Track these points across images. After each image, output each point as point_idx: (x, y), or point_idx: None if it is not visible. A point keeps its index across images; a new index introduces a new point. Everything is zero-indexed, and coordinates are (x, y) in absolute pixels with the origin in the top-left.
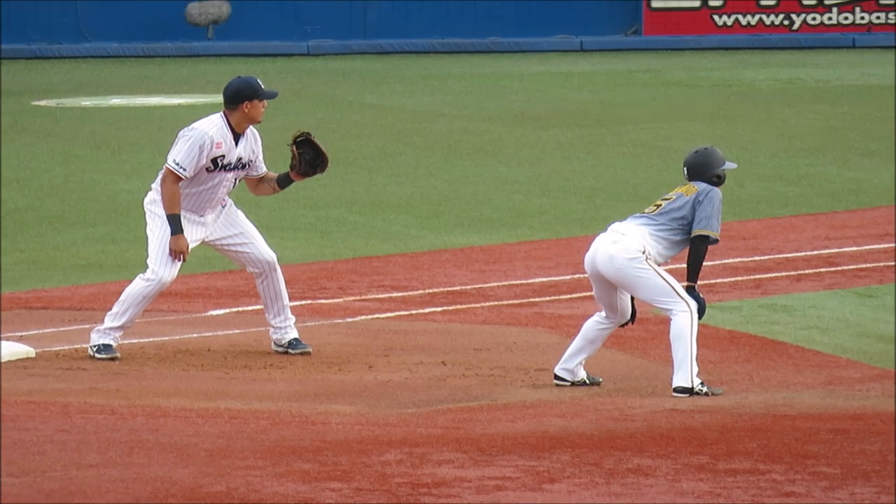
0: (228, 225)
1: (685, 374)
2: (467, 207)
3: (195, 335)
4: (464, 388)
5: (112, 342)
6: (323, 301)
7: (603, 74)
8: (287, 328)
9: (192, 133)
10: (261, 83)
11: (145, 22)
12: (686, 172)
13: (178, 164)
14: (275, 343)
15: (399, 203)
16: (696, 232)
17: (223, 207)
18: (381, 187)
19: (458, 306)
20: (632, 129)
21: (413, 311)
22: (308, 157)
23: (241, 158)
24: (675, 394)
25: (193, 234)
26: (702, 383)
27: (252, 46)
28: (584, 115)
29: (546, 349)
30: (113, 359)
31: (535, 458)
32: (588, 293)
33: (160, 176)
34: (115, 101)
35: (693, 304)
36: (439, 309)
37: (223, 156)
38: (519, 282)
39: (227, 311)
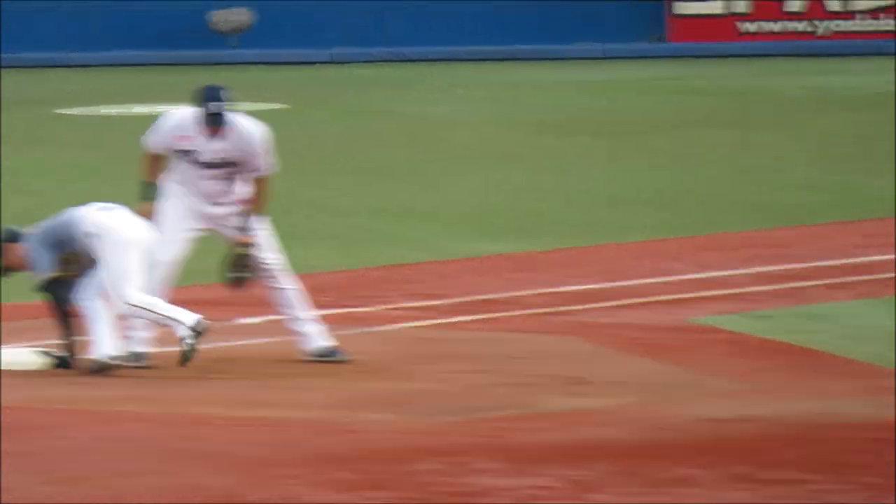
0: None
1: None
2: (493, 215)
3: (231, 343)
4: (501, 396)
5: (143, 349)
6: (357, 309)
7: (626, 82)
8: (315, 335)
9: (165, 116)
10: (216, 92)
11: (168, 30)
12: None
13: (150, 143)
14: (306, 352)
15: (426, 211)
16: None
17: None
18: (407, 196)
19: (491, 314)
20: (656, 136)
21: (447, 320)
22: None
23: (222, 157)
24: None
25: (198, 218)
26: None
27: (275, 54)
28: (607, 123)
29: (581, 357)
30: (145, 367)
31: (573, 467)
32: (621, 301)
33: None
34: (138, 109)
35: None
36: (473, 317)
37: (195, 150)
38: (549, 290)
39: (259, 319)
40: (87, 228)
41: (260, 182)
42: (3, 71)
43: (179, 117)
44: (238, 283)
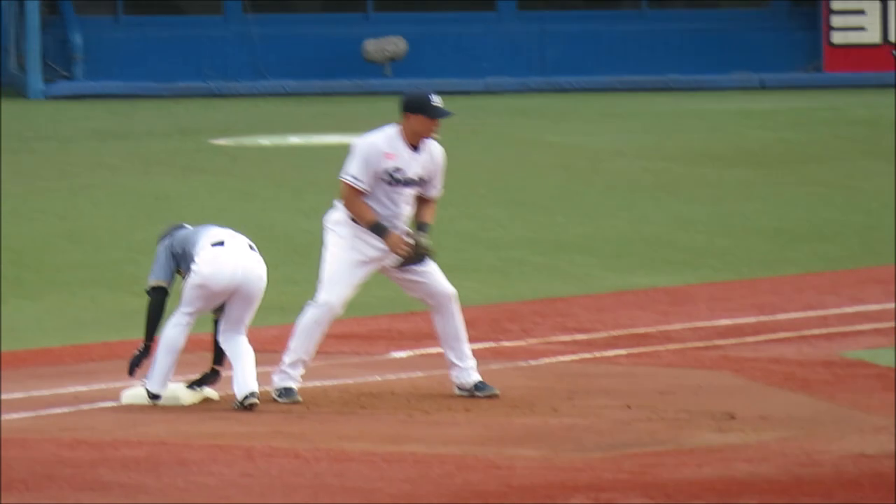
0: None
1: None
2: (649, 248)
3: (378, 378)
4: (649, 431)
5: (293, 384)
6: (506, 343)
7: (784, 112)
8: (470, 370)
9: (360, 144)
10: (433, 98)
11: (322, 59)
12: None
13: (353, 177)
14: (458, 386)
15: (581, 243)
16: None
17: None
18: (562, 227)
19: (643, 349)
20: (814, 167)
21: (597, 354)
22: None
23: (418, 174)
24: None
25: (373, 257)
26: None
27: (429, 84)
28: (765, 154)
29: (732, 393)
30: (294, 402)
31: (722, 503)
32: (774, 335)
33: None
34: (294, 139)
35: None
36: (623, 352)
37: (399, 168)
38: (703, 324)
39: (410, 353)
40: (195, 257)
41: (431, 203)
42: (161, 101)
43: (384, 136)
44: (414, 261)
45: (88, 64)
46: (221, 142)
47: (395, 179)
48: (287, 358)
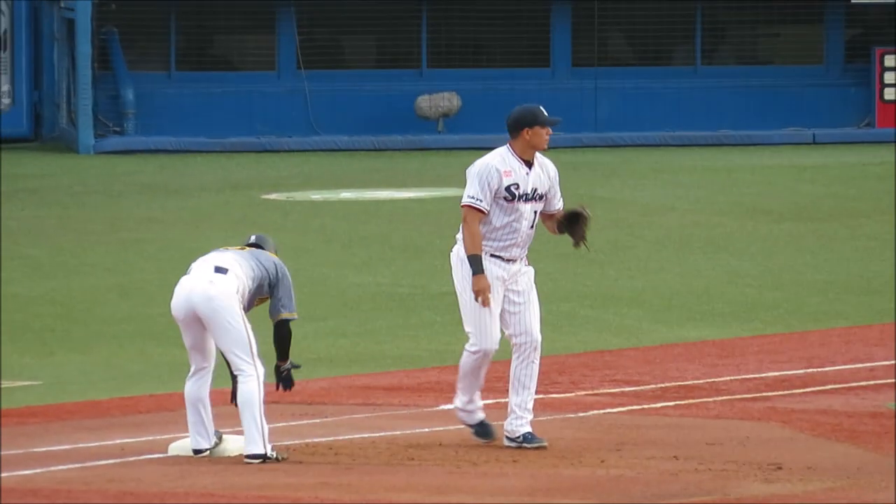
0: (522, 282)
1: (256, 442)
2: (699, 301)
3: (426, 430)
4: (696, 482)
5: (482, 416)
6: (555, 395)
7: (835, 167)
8: (524, 421)
9: (475, 167)
10: (542, 110)
11: (375, 115)
12: None
13: (473, 198)
14: (507, 434)
15: (631, 297)
16: (281, 316)
17: (526, 264)
18: (612, 281)
19: (691, 400)
20: (865, 222)
21: (645, 406)
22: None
23: (535, 189)
24: (247, 460)
25: (494, 287)
26: (272, 448)
27: (482, 139)
28: (816, 209)
29: (779, 444)
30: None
31: None
32: (822, 387)
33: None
34: (345, 194)
35: (261, 371)
36: (671, 403)
37: (517, 184)
38: (751, 376)
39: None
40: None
41: (559, 215)
42: (212, 156)
43: (497, 155)
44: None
45: (140, 119)
46: (273, 196)
47: (512, 195)
48: (458, 402)
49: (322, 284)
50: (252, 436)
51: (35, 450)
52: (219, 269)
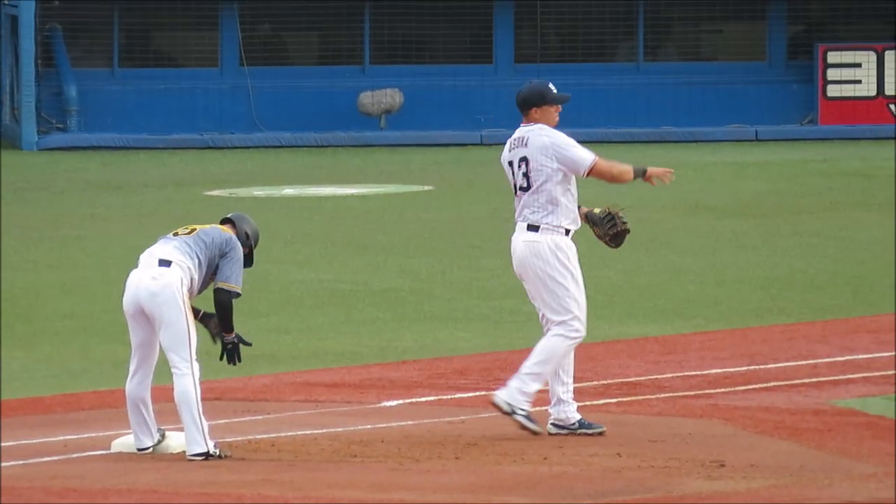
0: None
1: (198, 441)
2: (641, 297)
3: (368, 426)
4: (639, 479)
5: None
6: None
7: (778, 164)
8: (571, 405)
9: (563, 136)
10: (551, 87)
11: (318, 111)
12: None
13: (592, 153)
14: (555, 423)
15: None
16: (220, 284)
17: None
18: None
19: (633, 398)
20: (807, 218)
21: (587, 403)
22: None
23: None
24: (191, 457)
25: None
26: (215, 445)
27: (425, 136)
28: (759, 205)
29: (722, 441)
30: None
31: None
32: (765, 384)
33: (587, 170)
34: (288, 190)
35: (197, 370)
36: (614, 400)
37: None
38: (694, 373)
39: (400, 402)
40: None
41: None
42: (155, 153)
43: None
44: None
45: (83, 116)
46: (216, 193)
47: None
48: (532, 386)
49: (264, 281)
50: (192, 435)
51: None
52: (162, 263)
